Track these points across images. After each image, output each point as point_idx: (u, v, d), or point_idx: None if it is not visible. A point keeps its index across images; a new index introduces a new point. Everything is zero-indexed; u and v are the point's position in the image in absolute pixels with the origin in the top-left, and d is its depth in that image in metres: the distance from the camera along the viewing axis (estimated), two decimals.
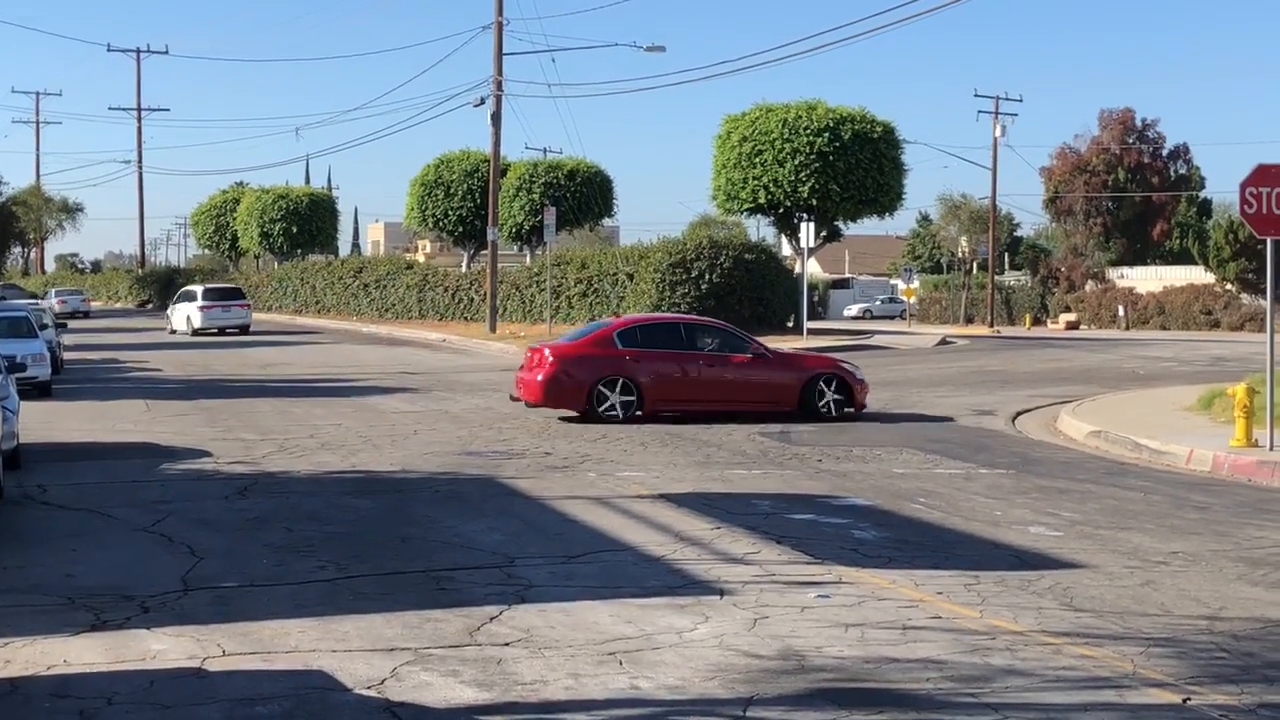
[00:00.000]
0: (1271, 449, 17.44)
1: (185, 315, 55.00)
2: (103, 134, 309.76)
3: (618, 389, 22.02)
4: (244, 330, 54.40)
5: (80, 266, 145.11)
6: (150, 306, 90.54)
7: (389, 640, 8.64)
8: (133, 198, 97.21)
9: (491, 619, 9.15)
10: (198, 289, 57.32)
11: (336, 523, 12.84)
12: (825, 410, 22.48)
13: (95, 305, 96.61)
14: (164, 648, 8.47)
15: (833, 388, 22.72)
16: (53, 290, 68.76)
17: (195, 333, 53.64)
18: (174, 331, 54.76)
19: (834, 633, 8.87)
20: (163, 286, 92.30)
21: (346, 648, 8.47)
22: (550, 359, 22.24)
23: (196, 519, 12.96)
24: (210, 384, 29.64)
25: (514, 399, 23.07)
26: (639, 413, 22.00)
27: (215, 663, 8.15)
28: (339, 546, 11.61)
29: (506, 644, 8.56)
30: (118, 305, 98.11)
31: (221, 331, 53.98)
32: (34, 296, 63.19)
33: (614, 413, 21.89)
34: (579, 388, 22.00)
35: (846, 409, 22.73)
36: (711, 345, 23.12)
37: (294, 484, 15.26)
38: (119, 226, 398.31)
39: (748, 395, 22.80)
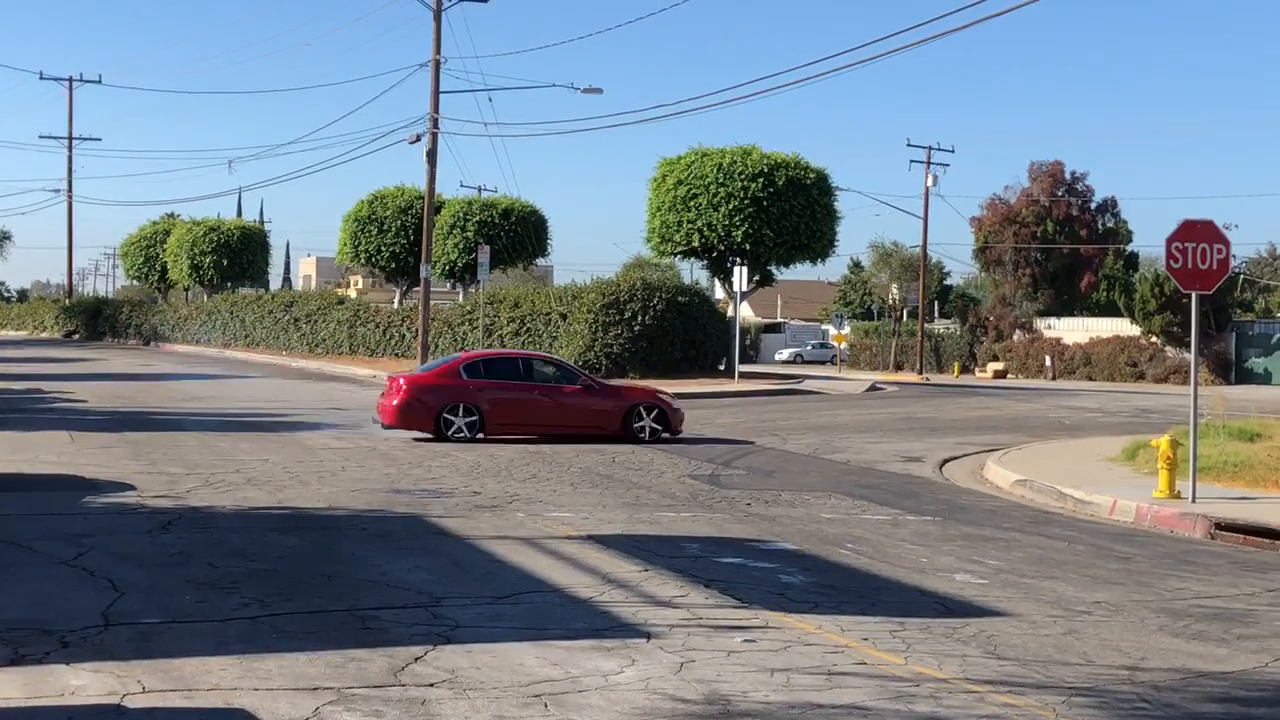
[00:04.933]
0: (1194, 501, 17.67)
1: None
2: (32, 162, 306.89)
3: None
4: None
5: (6, 295, 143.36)
6: (77, 337, 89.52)
7: (312, 679, 8.55)
8: (61, 227, 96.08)
9: (416, 659, 9.09)
10: None
11: (261, 559, 12.70)
12: (641, 433, 25.75)
13: (20, 335, 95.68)
14: (83, 683, 8.33)
15: (652, 415, 25.97)
16: None
17: None
18: None
19: (760, 677, 8.87)
20: (90, 317, 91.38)
21: (269, 686, 8.38)
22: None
23: (119, 553, 12.78)
24: (136, 417, 29.30)
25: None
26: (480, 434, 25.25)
27: (135, 699, 8.03)
28: (263, 584, 11.49)
29: (431, 685, 8.50)
30: (44, 335, 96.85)
31: None
32: None
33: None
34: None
35: (664, 434, 25.90)
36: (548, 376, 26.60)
37: (219, 519, 15.09)
38: (47, 256, 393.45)
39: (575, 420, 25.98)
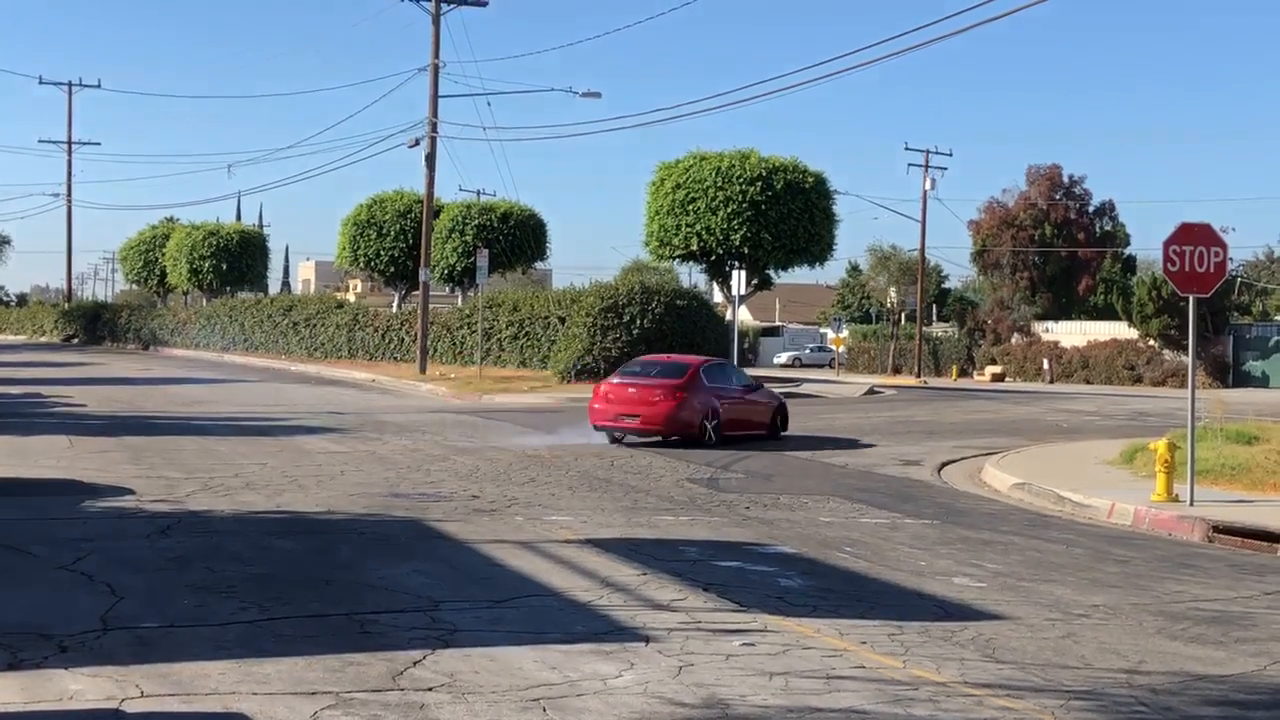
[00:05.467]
0: (1192, 504, 17.67)
1: None
2: (32, 166, 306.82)
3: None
4: None
5: (5, 299, 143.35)
6: (76, 341, 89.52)
7: (310, 683, 8.55)
8: (61, 231, 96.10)
9: (415, 663, 9.09)
10: None
11: (259, 564, 12.70)
12: (778, 430, 28.37)
13: (19, 340, 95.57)
14: (81, 688, 8.34)
15: (782, 414, 28.83)
16: None
17: None
18: None
19: (758, 681, 8.88)
20: (89, 322, 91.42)
21: (267, 690, 8.38)
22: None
23: (117, 558, 12.78)
24: (135, 421, 29.29)
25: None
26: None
27: (133, 704, 8.03)
28: (262, 588, 11.49)
29: (429, 689, 8.50)
30: (43, 339, 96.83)
31: None
32: None
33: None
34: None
35: (783, 432, 28.54)
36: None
37: (217, 524, 15.09)
38: (46, 260, 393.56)
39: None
